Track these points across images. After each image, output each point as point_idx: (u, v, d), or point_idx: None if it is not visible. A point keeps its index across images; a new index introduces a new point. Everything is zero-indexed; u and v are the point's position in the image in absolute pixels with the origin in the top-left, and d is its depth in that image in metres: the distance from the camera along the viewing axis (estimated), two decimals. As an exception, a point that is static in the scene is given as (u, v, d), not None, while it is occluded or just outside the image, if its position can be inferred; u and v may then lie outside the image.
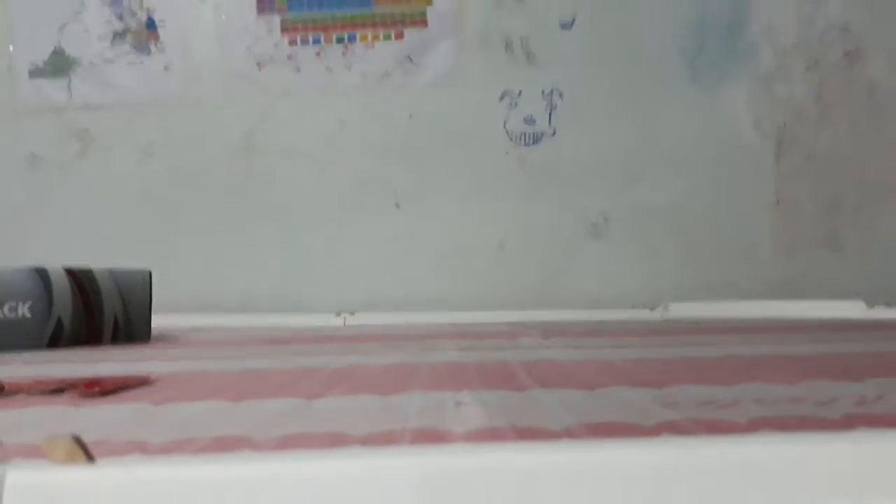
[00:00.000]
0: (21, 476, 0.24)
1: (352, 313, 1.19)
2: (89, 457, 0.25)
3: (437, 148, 1.33)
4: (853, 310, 1.09)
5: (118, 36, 1.35)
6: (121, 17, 1.35)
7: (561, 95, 1.33)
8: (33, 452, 0.28)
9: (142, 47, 1.35)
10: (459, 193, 1.33)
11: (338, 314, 1.18)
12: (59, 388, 0.45)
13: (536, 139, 1.33)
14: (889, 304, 1.08)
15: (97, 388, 0.44)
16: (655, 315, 1.16)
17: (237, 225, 1.34)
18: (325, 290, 1.30)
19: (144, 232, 1.34)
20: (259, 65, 1.34)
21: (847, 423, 0.32)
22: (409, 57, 1.33)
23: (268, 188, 1.34)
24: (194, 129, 1.35)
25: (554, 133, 1.33)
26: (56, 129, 1.35)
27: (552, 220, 1.32)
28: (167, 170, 1.35)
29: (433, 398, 0.39)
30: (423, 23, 1.32)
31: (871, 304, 1.09)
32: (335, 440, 0.30)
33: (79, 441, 0.25)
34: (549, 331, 0.86)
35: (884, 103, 1.32)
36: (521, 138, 1.34)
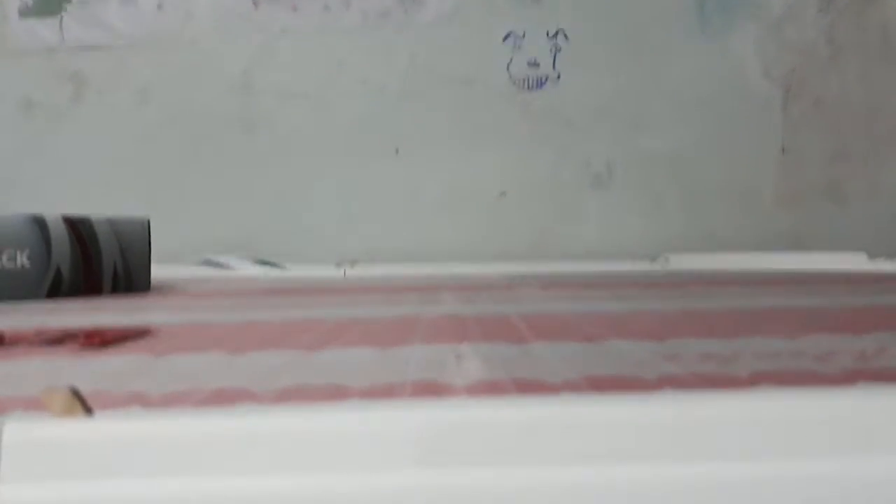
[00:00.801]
0: (19, 428, 0.24)
1: (352, 265, 1.19)
2: (87, 409, 0.25)
3: (437, 91, 1.30)
4: (855, 262, 1.08)
5: (109, -27, 1.31)
6: (111, -46, 1.31)
7: (566, 37, 1.29)
8: (31, 404, 0.28)
9: (134, -15, 1.31)
10: (460, 139, 1.31)
11: (338, 265, 1.18)
12: (59, 339, 0.45)
13: (540, 83, 1.31)
14: (891, 257, 1.08)
15: (97, 339, 0.44)
16: (656, 267, 1.16)
17: (235, 172, 1.33)
18: (325, 241, 1.30)
19: (141, 178, 1.33)
20: (255, 2, 1.31)
21: (847, 377, 0.32)
22: (409, -4, 1.29)
23: (266, 133, 1.32)
24: (190, 70, 1.32)
25: (559, 77, 1.31)
26: (49, 72, 1.33)
27: (555, 168, 1.31)
28: (163, 112, 1.32)
29: (433, 351, 0.39)
30: (425, -39, 1.28)
31: (872, 256, 1.09)
32: (335, 392, 0.30)
33: (77, 393, 0.25)
34: (548, 282, 0.86)
35: (896, 47, 1.29)
36: (524, 82, 1.31)
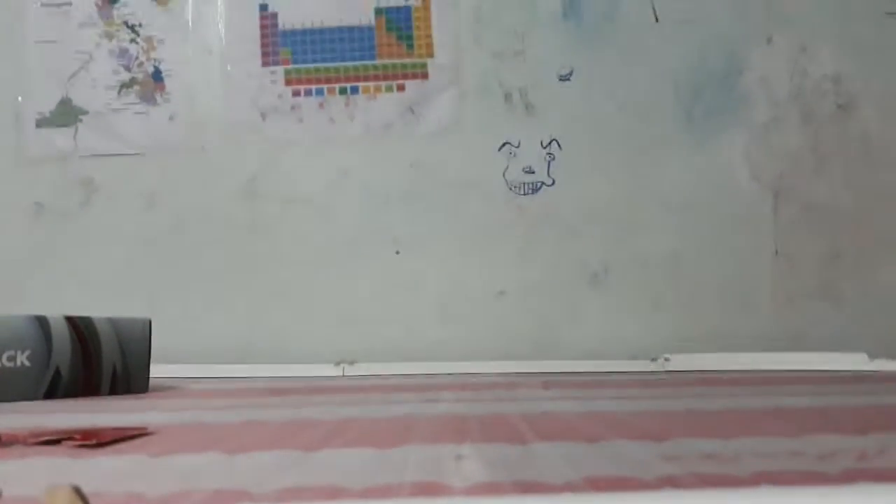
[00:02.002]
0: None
1: (351, 363, 1.18)
2: (87, 510, 0.25)
3: (437, 197, 1.34)
4: (855, 362, 1.08)
5: (125, 86, 1.38)
6: (128, 68, 1.38)
7: (559, 146, 1.35)
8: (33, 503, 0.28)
9: (148, 97, 1.38)
10: (459, 242, 1.33)
11: (337, 364, 1.18)
12: (55, 439, 0.44)
13: (535, 189, 1.35)
14: (891, 357, 1.08)
15: (94, 440, 0.44)
16: (656, 366, 1.16)
17: (238, 273, 1.34)
18: (325, 339, 1.29)
19: (146, 280, 1.34)
20: (263, 115, 1.37)
21: (847, 477, 0.31)
22: (410, 108, 1.35)
23: (269, 236, 1.35)
24: (197, 178, 1.36)
25: (553, 183, 1.35)
26: (61, 178, 1.37)
27: (552, 269, 1.33)
28: (170, 218, 1.36)
29: (433, 451, 0.39)
30: (425, 75, 1.36)
31: (873, 356, 1.09)
32: (333, 494, 0.30)
33: (78, 492, 0.25)
34: (549, 382, 0.86)
35: (878, 154, 1.34)
36: (520, 188, 1.35)
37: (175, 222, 1.36)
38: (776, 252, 1.32)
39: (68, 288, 1.32)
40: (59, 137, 1.38)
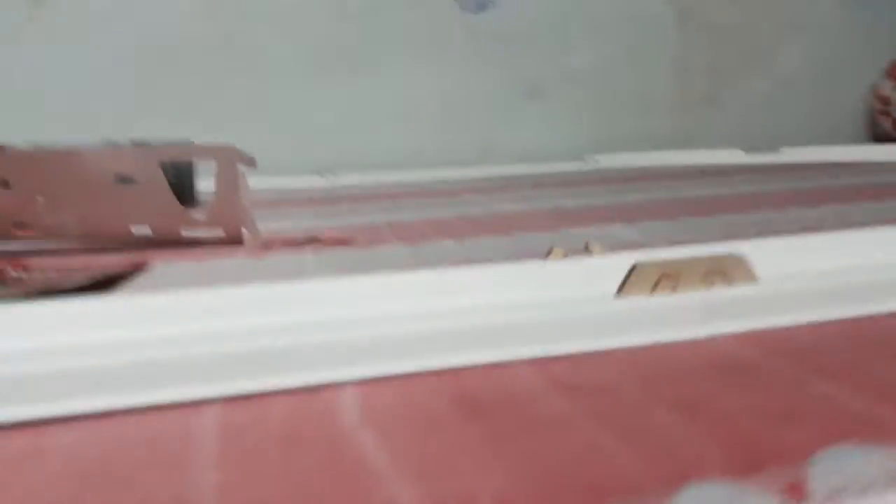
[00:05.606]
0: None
1: (326, 174, 1.30)
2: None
3: (389, 12, 1.41)
4: (733, 156, 1.32)
5: None
6: None
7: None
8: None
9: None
10: (409, 56, 1.44)
11: (321, 175, 1.30)
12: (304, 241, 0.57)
13: (482, 6, 1.45)
14: (763, 150, 1.32)
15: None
16: (586, 166, 1.37)
17: (208, 88, 1.38)
18: (300, 152, 1.40)
19: (112, 101, 1.35)
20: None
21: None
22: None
23: (233, 51, 1.38)
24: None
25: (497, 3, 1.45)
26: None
27: (495, 82, 1.48)
28: (132, 35, 1.34)
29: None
30: None
31: (748, 150, 1.32)
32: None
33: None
34: (492, 187, 1.04)
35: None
36: (468, 3, 1.45)
37: (137, 40, 1.35)
38: (675, 65, 1.52)
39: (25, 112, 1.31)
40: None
